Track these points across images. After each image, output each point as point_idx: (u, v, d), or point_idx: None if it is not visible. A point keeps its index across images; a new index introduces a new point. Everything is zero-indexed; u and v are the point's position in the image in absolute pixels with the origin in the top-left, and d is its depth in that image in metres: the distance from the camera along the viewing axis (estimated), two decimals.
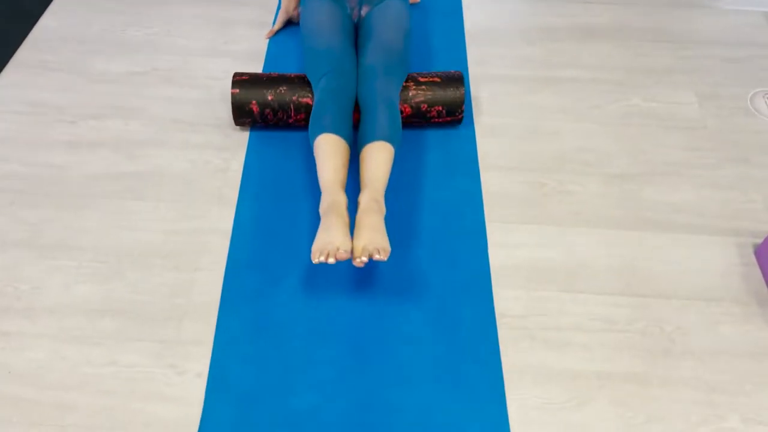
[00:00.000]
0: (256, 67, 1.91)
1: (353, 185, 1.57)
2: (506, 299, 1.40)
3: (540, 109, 1.81)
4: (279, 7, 2.09)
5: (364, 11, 1.77)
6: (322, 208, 1.36)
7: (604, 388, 1.27)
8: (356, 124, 1.66)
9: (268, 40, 1.99)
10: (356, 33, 1.78)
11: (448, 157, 1.66)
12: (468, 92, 1.80)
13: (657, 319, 1.38)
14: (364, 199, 1.37)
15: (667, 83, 1.88)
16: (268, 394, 1.24)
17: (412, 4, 2.10)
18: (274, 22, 2.05)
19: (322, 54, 1.60)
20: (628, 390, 1.27)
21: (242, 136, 1.71)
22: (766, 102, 1.82)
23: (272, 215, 1.53)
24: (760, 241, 1.51)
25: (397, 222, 1.51)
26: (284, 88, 1.63)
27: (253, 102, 1.62)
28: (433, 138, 1.70)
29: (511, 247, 1.49)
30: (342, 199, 1.37)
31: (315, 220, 1.50)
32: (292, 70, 1.88)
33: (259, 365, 1.28)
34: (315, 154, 1.46)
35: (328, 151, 1.44)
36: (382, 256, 1.24)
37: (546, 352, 1.32)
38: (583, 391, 1.27)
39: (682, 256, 1.49)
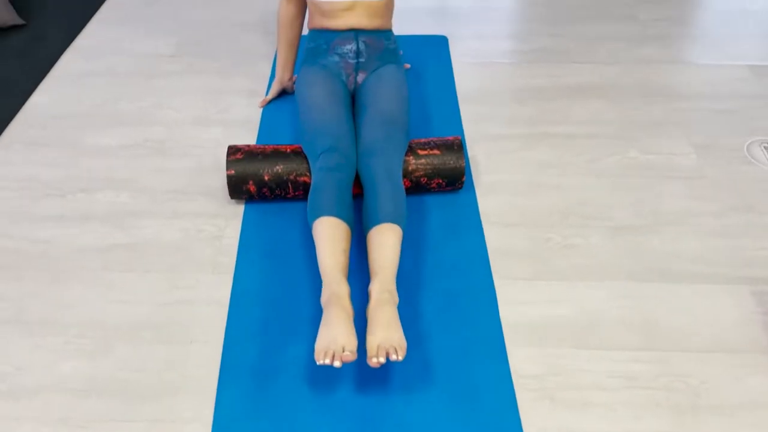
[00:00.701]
0: (250, 135, 1.89)
1: (357, 266, 1.51)
2: (521, 359, 1.32)
3: (537, 164, 1.79)
4: (272, 77, 2.10)
5: (360, 78, 1.75)
6: (324, 299, 1.26)
7: None
8: (356, 195, 1.61)
9: (261, 109, 1.98)
10: (353, 100, 1.76)
11: (449, 217, 1.62)
12: (466, 155, 1.78)
13: (680, 374, 1.30)
14: (374, 290, 1.28)
15: (661, 135, 1.88)
16: None
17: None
18: (267, 92, 2.05)
19: (319, 129, 1.56)
20: None
21: (237, 205, 1.67)
22: (763, 151, 1.82)
23: (272, 283, 1.47)
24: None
25: (404, 284, 1.45)
26: (281, 166, 1.59)
27: (250, 182, 1.58)
28: (434, 199, 1.67)
29: (521, 304, 1.43)
30: (344, 290, 1.27)
31: (317, 287, 1.44)
32: (286, 140, 1.85)
33: None
34: (314, 238, 1.39)
35: (328, 235, 1.36)
36: (399, 356, 1.15)
37: (567, 414, 1.23)
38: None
39: (697, 306, 1.43)
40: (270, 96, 1.99)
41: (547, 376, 1.30)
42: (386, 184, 1.46)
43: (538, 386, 1.28)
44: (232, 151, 1.60)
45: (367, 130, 1.58)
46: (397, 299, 1.28)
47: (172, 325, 1.39)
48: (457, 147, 1.62)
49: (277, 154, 1.60)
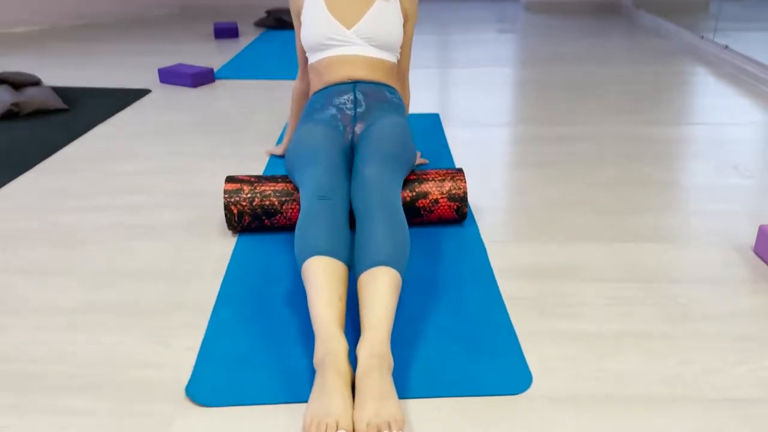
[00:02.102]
0: (260, 164, 2.07)
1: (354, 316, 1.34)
2: (511, 287, 1.36)
3: (527, 182, 1.94)
4: (281, 138, 2.34)
5: (358, 128, 1.65)
6: (317, 358, 1.08)
7: (627, 344, 1.18)
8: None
9: (268, 161, 2.16)
10: (351, 152, 1.65)
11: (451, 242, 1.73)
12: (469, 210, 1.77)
13: (669, 296, 1.33)
14: (363, 354, 1.07)
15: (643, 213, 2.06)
16: None
17: (421, 165, 2.05)
18: (277, 141, 2.27)
19: (309, 157, 1.49)
20: (653, 344, 1.18)
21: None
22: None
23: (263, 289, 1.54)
24: (752, 241, 1.53)
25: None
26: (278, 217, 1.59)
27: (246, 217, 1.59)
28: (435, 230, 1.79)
29: (513, 257, 1.50)
30: (341, 348, 1.08)
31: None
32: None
33: None
34: (305, 281, 1.20)
35: (321, 280, 1.18)
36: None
37: (557, 320, 1.25)
38: (604, 345, 1.18)
39: (682, 256, 1.49)
40: (274, 150, 2.14)
41: (538, 298, 1.33)
42: (382, 216, 1.29)
43: (528, 304, 1.31)
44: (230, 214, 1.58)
45: (363, 163, 1.46)
46: (390, 363, 1.08)
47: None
48: (458, 173, 1.62)
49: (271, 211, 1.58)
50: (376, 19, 1.75)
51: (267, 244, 1.57)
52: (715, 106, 2.63)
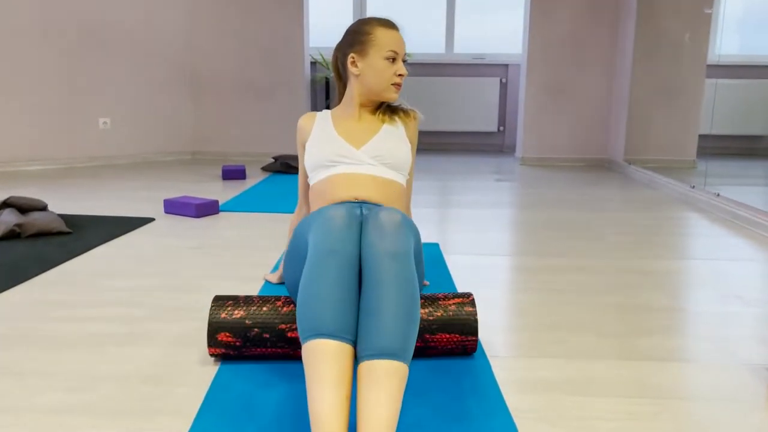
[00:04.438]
0: (257, 285, 2.04)
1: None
2: (517, 401, 1.28)
3: (531, 305, 1.91)
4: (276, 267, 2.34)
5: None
6: None
7: None
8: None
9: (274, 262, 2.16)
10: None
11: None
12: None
13: (682, 412, 1.25)
14: None
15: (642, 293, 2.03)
16: None
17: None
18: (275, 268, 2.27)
19: (321, 227, 1.29)
20: None
21: None
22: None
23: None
24: (766, 361, 1.47)
25: None
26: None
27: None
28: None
29: (518, 370, 1.42)
30: None
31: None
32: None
33: None
34: (305, 365, 1.09)
35: (326, 373, 1.06)
36: None
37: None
38: None
39: (694, 375, 1.42)
40: (269, 276, 2.07)
41: (545, 410, 1.24)
42: (394, 289, 1.15)
43: (536, 416, 1.22)
44: (213, 346, 1.42)
45: (372, 228, 1.29)
46: None
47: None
48: (470, 302, 1.48)
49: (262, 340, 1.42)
50: (385, 141, 1.75)
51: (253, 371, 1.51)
52: (712, 245, 2.66)
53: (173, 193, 3.77)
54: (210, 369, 1.43)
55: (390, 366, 1.07)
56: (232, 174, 4.43)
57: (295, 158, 4.82)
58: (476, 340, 1.46)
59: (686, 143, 4.65)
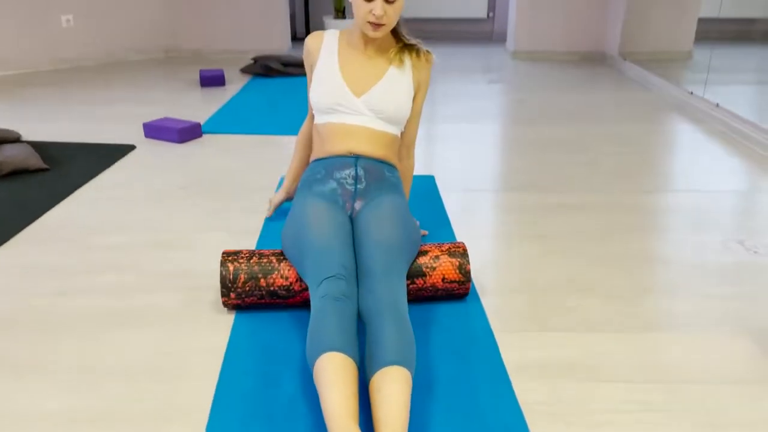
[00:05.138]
0: (251, 239, 1.98)
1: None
2: (527, 390, 1.29)
3: (530, 257, 1.88)
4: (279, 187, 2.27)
5: (358, 205, 1.64)
6: None
7: None
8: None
9: (263, 220, 2.10)
10: (352, 226, 1.63)
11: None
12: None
13: (692, 399, 1.26)
14: None
15: (637, 239, 2.01)
16: None
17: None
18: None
19: (324, 254, 1.45)
20: None
21: None
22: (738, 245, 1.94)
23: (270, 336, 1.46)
24: None
25: None
26: (271, 299, 1.56)
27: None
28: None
29: (525, 349, 1.42)
30: None
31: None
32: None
33: None
34: (316, 380, 1.20)
35: (334, 377, 1.17)
36: None
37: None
38: None
39: (701, 350, 1.43)
40: (275, 202, 2.10)
41: (557, 404, 1.25)
42: (390, 317, 1.31)
43: (549, 411, 1.23)
44: (225, 292, 1.53)
45: (366, 257, 1.47)
46: None
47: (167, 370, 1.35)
48: (464, 291, 1.60)
49: (271, 294, 1.54)
50: (387, 92, 1.72)
51: (261, 334, 1.48)
52: (712, 171, 2.62)
53: (151, 109, 3.57)
54: (214, 360, 1.41)
55: (399, 370, 1.19)
56: (211, 80, 4.21)
57: (276, 59, 4.57)
58: (469, 286, 1.59)
59: (684, 32, 4.48)
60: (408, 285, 1.56)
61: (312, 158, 1.82)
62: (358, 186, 1.66)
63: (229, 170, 2.60)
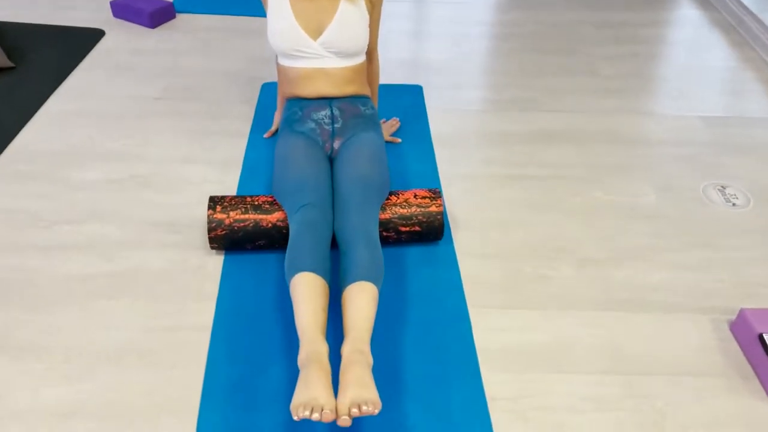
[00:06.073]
0: (234, 173, 1.95)
1: (336, 323, 1.48)
2: (495, 383, 1.38)
3: (508, 202, 1.89)
4: (255, 118, 2.19)
5: (337, 144, 1.74)
6: (301, 358, 1.22)
7: None
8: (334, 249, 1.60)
9: (245, 150, 2.05)
10: (331, 165, 1.74)
11: (425, 250, 1.70)
12: (445, 211, 1.77)
13: (645, 395, 1.37)
14: (346, 350, 1.24)
15: (624, 178, 2.00)
16: None
17: (390, 143, 2.10)
18: (250, 132, 2.13)
19: (298, 185, 1.57)
20: None
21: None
22: (717, 193, 1.95)
23: (254, 309, 1.51)
24: (733, 317, 1.55)
25: (380, 313, 1.50)
26: (263, 241, 1.62)
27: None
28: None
29: (495, 330, 1.50)
30: (323, 349, 1.23)
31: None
32: (267, 179, 1.92)
33: None
34: (291, 295, 1.36)
35: (306, 293, 1.33)
36: (371, 409, 1.10)
37: None
38: None
39: (661, 333, 1.51)
40: (273, 127, 2.09)
41: (521, 399, 1.35)
42: (362, 242, 1.45)
43: (512, 407, 1.33)
44: (213, 229, 1.60)
45: (342, 189, 1.59)
46: (370, 360, 1.24)
47: (157, 350, 1.42)
48: (438, 224, 1.65)
49: (260, 233, 1.61)
50: (342, 29, 1.72)
51: (249, 304, 1.53)
52: (712, 78, 2.53)
53: None
54: (204, 338, 1.47)
55: (365, 284, 1.36)
56: None
57: None
58: (440, 202, 1.66)
59: None
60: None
61: (287, 95, 1.83)
62: (335, 125, 1.75)
63: (206, 72, 2.47)
